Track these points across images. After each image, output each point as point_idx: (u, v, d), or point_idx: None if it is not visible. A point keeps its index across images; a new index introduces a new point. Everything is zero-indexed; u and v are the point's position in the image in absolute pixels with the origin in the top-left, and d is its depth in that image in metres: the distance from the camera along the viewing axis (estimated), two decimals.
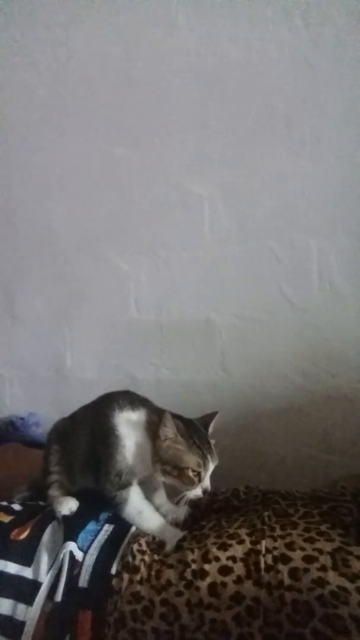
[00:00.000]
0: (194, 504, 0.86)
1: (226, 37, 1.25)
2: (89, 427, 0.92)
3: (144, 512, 0.83)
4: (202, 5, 1.27)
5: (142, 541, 0.79)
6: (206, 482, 0.83)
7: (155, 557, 0.76)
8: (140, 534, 0.81)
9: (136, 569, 0.73)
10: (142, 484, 0.87)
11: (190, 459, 0.81)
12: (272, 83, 1.23)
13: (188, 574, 0.71)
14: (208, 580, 0.69)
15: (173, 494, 0.87)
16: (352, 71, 1.17)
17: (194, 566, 0.71)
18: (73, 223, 1.43)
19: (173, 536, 0.80)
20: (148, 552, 0.77)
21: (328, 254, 1.22)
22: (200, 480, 0.82)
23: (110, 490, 0.83)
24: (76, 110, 1.40)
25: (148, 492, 0.87)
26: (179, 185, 1.32)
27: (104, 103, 1.38)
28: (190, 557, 0.73)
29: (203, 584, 0.69)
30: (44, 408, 1.44)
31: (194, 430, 0.85)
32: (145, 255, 1.37)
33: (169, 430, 0.82)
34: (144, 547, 0.78)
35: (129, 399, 0.89)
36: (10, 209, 1.48)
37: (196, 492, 0.82)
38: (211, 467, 0.84)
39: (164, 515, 0.86)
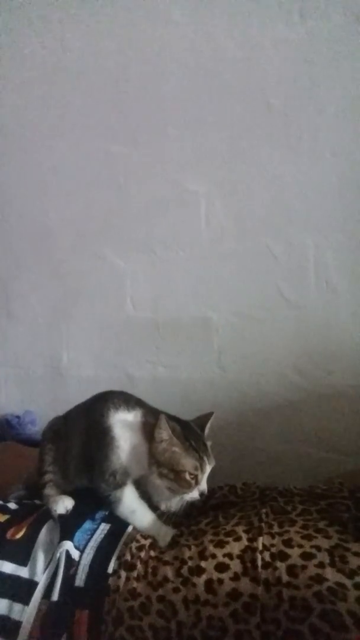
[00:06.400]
0: (190, 503, 0.85)
1: (223, 33, 1.24)
2: (84, 427, 0.91)
3: (137, 511, 0.83)
4: (198, 0, 1.26)
5: (139, 537, 0.79)
6: (203, 485, 0.83)
7: (152, 553, 0.76)
8: (136, 532, 0.81)
9: (133, 566, 0.73)
10: (140, 481, 0.87)
11: (187, 462, 0.81)
12: (269, 79, 1.22)
13: (185, 571, 0.71)
14: (204, 577, 0.69)
15: (170, 494, 0.87)
16: (350, 67, 1.17)
17: (190, 563, 0.71)
18: (69, 220, 1.42)
19: (165, 534, 0.80)
20: (145, 548, 0.76)
21: (325, 251, 1.22)
22: (197, 483, 0.82)
23: (105, 489, 0.84)
24: (72, 106, 1.39)
25: (147, 488, 0.87)
26: (175, 183, 1.32)
27: (100, 99, 1.36)
28: (187, 554, 0.73)
29: (199, 581, 0.69)
30: (40, 406, 1.43)
31: (190, 433, 0.85)
32: (142, 253, 1.36)
33: (164, 432, 0.81)
34: (142, 542, 0.77)
35: (124, 398, 0.89)
36: (6, 205, 1.47)
37: (193, 494, 0.82)
38: (208, 469, 0.84)
39: (163, 512, 0.85)
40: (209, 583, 0.68)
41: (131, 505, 0.83)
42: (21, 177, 1.45)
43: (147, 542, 0.78)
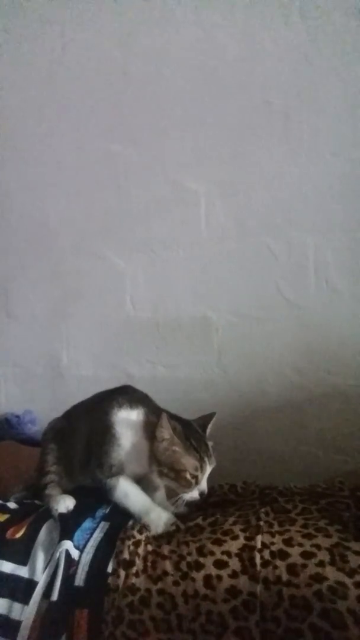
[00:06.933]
0: (190, 502, 0.85)
1: (223, 32, 1.25)
2: (88, 424, 0.91)
3: (131, 494, 0.84)
4: (199, 0, 1.26)
5: (135, 533, 0.78)
6: (203, 485, 0.83)
7: (149, 547, 0.76)
8: (131, 527, 0.81)
9: (131, 564, 0.73)
10: (141, 482, 0.87)
11: (187, 462, 0.81)
12: (269, 79, 1.23)
13: (184, 566, 0.71)
14: (203, 572, 0.70)
15: (170, 494, 0.87)
16: (350, 66, 1.17)
17: (189, 558, 0.72)
18: (69, 220, 1.42)
19: (158, 518, 0.81)
20: (142, 543, 0.76)
21: (325, 251, 1.22)
22: (197, 483, 0.82)
23: (101, 477, 0.85)
24: (72, 105, 1.39)
25: (148, 491, 0.87)
26: (175, 182, 1.32)
27: (100, 99, 1.37)
28: (185, 550, 0.74)
29: (199, 575, 0.69)
30: (40, 405, 1.43)
31: (192, 432, 0.85)
32: (142, 253, 1.36)
33: (165, 431, 0.81)
34: (138, 537, 0.77)
35: (128, 397, 0.89)
36: (6, 205, 1.47)
37: (192, 494, 0.82)
38: (208, 469, 0.84)
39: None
40: (207, 578, 0.69)
41: (126, 489, 0.84)
42: (21, 177, 1.45)
43: (142, 537, 0.78)
